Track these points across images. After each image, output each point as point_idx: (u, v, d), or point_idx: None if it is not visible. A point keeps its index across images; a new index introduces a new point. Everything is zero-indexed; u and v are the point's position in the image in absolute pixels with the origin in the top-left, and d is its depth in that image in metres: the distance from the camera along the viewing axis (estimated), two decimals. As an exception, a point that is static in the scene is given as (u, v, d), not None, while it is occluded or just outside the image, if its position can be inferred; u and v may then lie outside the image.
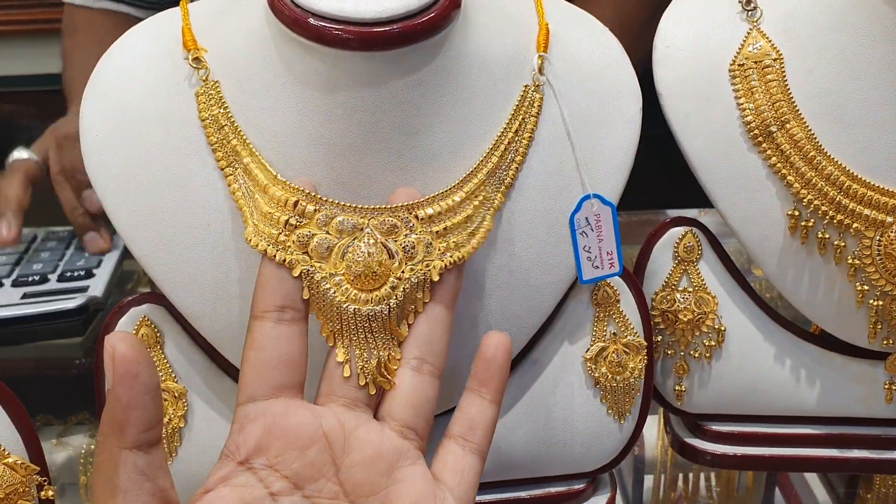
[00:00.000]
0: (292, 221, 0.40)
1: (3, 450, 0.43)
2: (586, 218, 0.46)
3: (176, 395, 0.47)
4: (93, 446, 0.78)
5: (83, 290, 0.76)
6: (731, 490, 0.77)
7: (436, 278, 0.41)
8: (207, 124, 0.43)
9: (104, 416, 0.35)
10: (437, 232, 0.41)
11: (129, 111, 0.45)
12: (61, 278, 0.79)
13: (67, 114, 0.96)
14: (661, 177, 0.57)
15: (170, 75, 0.45)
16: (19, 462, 0.43)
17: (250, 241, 0.40)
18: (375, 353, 0.40)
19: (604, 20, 0.52)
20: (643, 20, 0.53)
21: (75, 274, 0.79)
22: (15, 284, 0.78)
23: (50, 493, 0.44)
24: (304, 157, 0.42)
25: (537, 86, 0.45)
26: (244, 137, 0.43)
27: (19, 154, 0.87)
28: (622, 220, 0.64)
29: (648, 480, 0.79)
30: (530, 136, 0.45)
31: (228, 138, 0.43)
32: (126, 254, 0.86)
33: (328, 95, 0.41)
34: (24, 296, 0.76)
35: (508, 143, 0.44)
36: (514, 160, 0.44)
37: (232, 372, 0.48)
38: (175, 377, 0.47)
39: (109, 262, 0.83)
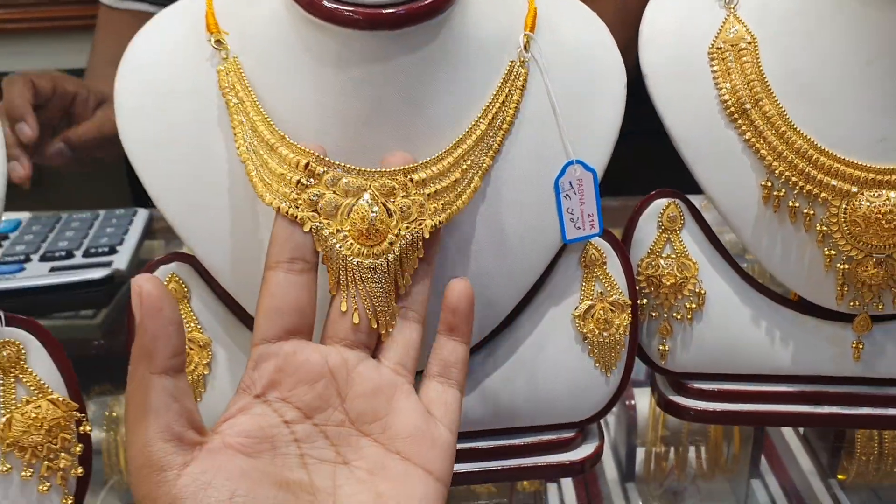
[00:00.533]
0: (303, 181, 0.44)
1: (47, 387, 0.48)
2: (570, 182, 0.50)
3: (201, 344, 0.51)
4: (114, 413, 0.82)
5: (108, 264, 0.81)
6: (719, 458, 0.80)
7: (427, 236, 0.45)
8: (226, 91, 0.47)
9: (134, 348, 0.40)
10: (429, 194, 0.46)
11: (159, 85, 0.49)
12: (86, 254, 0.83)
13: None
14: (664, 171, 0.61)
15: (196, 54, 0.49)
16: (60, 399, 0.48)
17: (264, 198, 0.45)
18: (374, 300, 0.45)
19: (605, 14, 0.56)
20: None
21: (99, 250, 0.84)
22: (43, 259, 0.83)
23: (87, 428, 0.49)
24: (317, 127, 0.47)
25: (522, 62, 0.49)
26: (256, 103, 0.47)
27: None
28: (619, 204, 0.69)
29: (640, 453, 0.82)
30: (516, 107, 0.49)
31: (243, 102, 0.47)
32: (146, 233, 0.92)
33: (340, 71, 0.46)
34: (53, 269, 0.81)
35: (496, 112, 0.48)
36: (500, 127, 0.48)
37: (251, 323, 0.51)
38: (200, 328, 0.52)
39: (131, 239, 0.87)
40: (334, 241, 0.44)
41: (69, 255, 0.84)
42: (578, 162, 0.51)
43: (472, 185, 0.47)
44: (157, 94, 0.49)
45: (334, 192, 0.45)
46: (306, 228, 0.44)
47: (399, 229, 0.45)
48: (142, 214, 0.93)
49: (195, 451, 0.40)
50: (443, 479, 0.44)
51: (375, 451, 0.43)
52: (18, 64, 1.49)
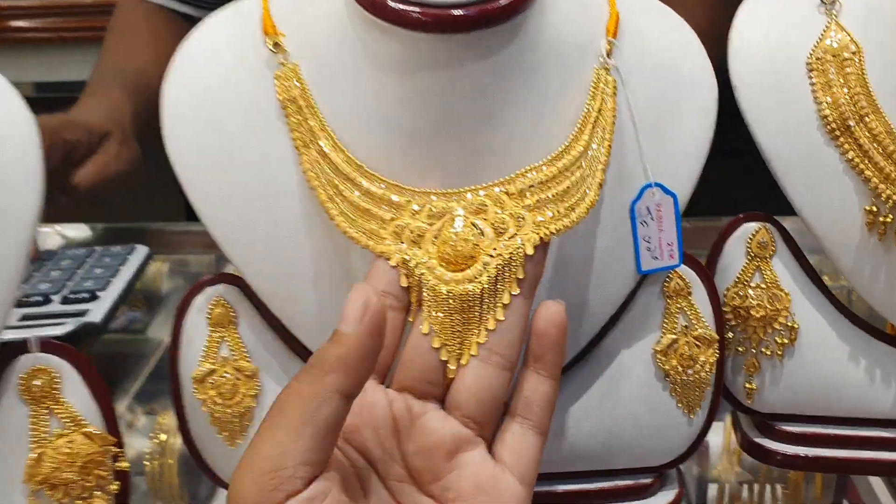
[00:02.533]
0: (388, 216, 0.41)
1: (82, 419, 0.44)
2: (647, 207, 0.45)
3: (248, 374, 0.47)
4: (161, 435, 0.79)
5: (82, 314, 0.75)
6: (799, 499, 0.75)
7: (530, 251, 0.39)
8: (286, 104, 0.43)
9: (331, 354, 0.35)
10: (528, 205, 0.41)
11: (210, 92, 0.46)
12: (65, 300, 0.77)
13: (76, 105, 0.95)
14: (742, 189, 0.56)
15: (251, 58, 0.45)
16: (96, 432, 0.44)
17: (347, 233, 0.41)
18: (462, 334, 0.40)
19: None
20: (722, 23, 0.52)
21: (80, 296, 0.77)
22: (18, 304, 0.77)
23: (125, 464, 0.45)
24: (378, 140, 0.43)
25: (607, 69, 0.44)
26: (321, 119, 0.43)
27: None
28: (700, 226, 0.63)
29: (712, 489, 0.77)
30: (613, 116, 0.44)
31: (306, 118, 0.43)
32: (139, 274, 0.86)
33: (404, 78, 0.42)
34: (24, 317, 0.75)
35: (595, 121, 0.43)
36: (604, 139, 0.43)
37: (303, 354, 0.48)
38: (248, 357, 0.47)
39: (119, 283, 0.81)
40: (422, 270, 0.40)
41: (46, 300, 0.77)
42: (658, 185, 0.46)
43: (588, 196, 0.42)
44: (207, 100, 0.46)
45: (420, 220, 0.41)
46: (392, 262, 0.40)
47: (494, 248, 0.40)
48: (139, 252, 0.87)
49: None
50: None
51: None
52: (42, 74, 1.50)
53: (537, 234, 0.40)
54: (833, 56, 0.49)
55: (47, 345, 0.44)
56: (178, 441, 0.78)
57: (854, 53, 0.49)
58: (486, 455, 0.40)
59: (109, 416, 0.45)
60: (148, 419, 0.81)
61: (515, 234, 0.40)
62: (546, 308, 0.40)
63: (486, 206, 0.41)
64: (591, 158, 0.43)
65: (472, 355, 0.40)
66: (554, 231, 0.41)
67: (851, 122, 0.48)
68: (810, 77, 0.49)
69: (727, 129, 0.50)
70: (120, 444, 0.45)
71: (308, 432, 0.34)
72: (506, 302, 0.39)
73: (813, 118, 0.49)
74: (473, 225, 0.40)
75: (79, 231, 0.99)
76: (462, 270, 0.40)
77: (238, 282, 0.47)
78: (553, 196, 0.41)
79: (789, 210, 0.51)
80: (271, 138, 0.44)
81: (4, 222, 0.42)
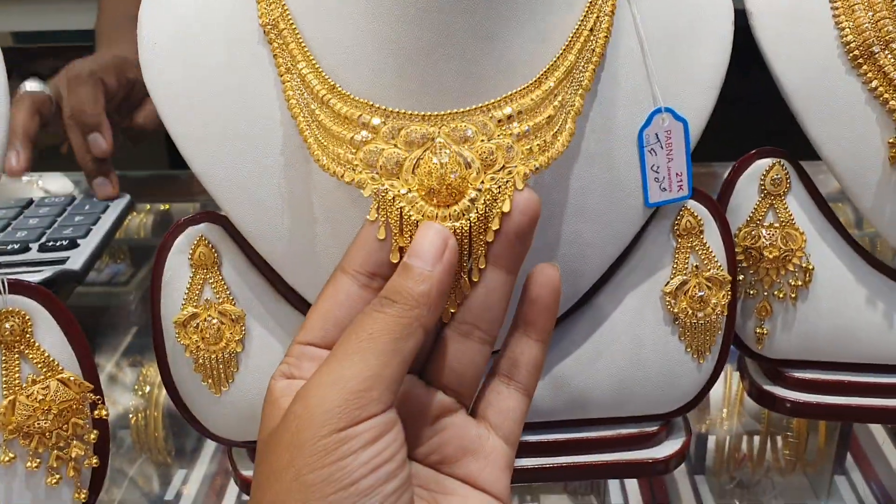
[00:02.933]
0: (357, 138, 0.38)
1: (57, 364, 0.42)
2: (656, 133, 0.43)
3: (233, 318, 0.45)
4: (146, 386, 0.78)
5: (61, 262, 0.73)
6: (801, 453, 0.74)
7: (520, 186, 0.37)
8: (268, 30, 0.41)
9: (415, 290, 0.35)
10: (517, 135, 0.38)
11: (188, 20, 0.44)
12: (43, 248, 0.76)
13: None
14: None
15: None
16: (72, 378, 0.42)
17: (320, 161, 0.38)
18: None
19: None
20: None
21: (58, 244, 0.76)
22: None
23: (104, 412, 0.43)
24: (373, 63, 0.40)
25: None
26: (302, 44, 0.40)
27: (31, 85, 0.85)
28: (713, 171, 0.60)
29: (711, 441, 0.76)
30: (606, 37, 0.41)
31: (287, 42, 0.40)
32: (120, 222, 0.84)
33: (401, -4, 0.39)
34: (1, 265, 0.74)
35: (584, 41, 0.41)
36: (590, 60, 0.41)
37: (290, 296, 0.46)
38: (232, 300, 0.45)
39: (101, 230, 0.80)
40: (401, 203, 0.37)
41: (24, 248, 0.76)
42: (668, 110, 0.43)
43: (566, 126, 0.39)
44: (185, 29, 0.44)
45: (395, 146, 0.38)
46: (367, 193, 0.37)
47: (482, 181, 0.37)
48: (121, 201, 0.86)
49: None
50: (501, 496, 0.39)
51: (428, 473, 0.39)
52: (32, 23, 1.47)
53: (528, 167, 0.38)
54: (857, -22, 0.46)
55: (18, 286, 0.42)
56: (163, 393, 0.77)
57: (879, -25, 0.46)
58: (468, 418, 0.40)
59: (87, 362, 0.43)
60: (133, 372, 0.80)
61: (504, 166, 0.37)
62: (540, 272, 0.39)
63: (472, 134, 0.38)
64: (573, 82, 0.40)
65: (457, 319, 0.38)
66: (543, 163, 0.38)
67: (876, 49, 0.46)
68: (832, 1, 0.47)
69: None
70: (98, 391, 0.43)
71: (396, 361, 0.35)
72: (490, 240, 0.37)
73: (834, 45, 0.47)
74: (459, 155, 0.37)
75: (59, 181, 0.96)
76: (447, 206, 0.37)
77: (221, 220, 0.45)
78: (538, 124, 0.39)
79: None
80: (253, 66, 0.42)
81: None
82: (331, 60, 0.40)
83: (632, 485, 0.70)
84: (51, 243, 0.76)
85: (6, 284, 0.41)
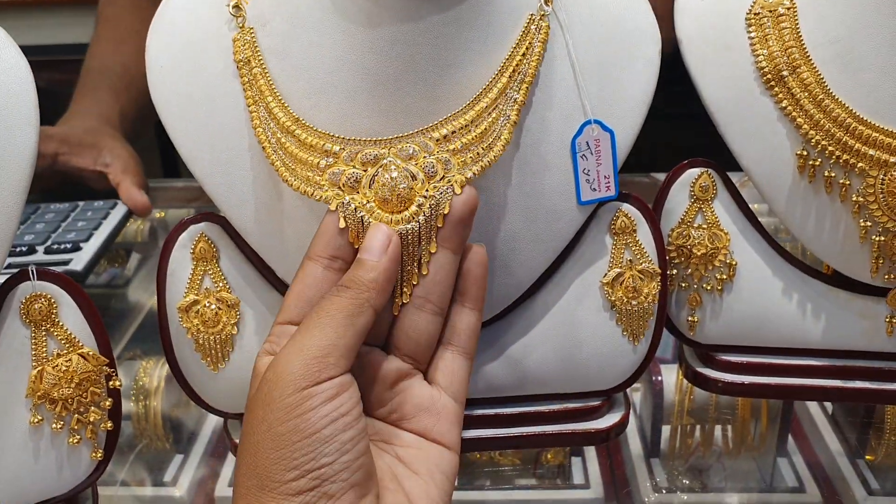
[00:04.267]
0: (322, 163, 0.45)
1: (77, 341, 0.48)
2: (587, 142, 0.50)
3: (229, 304, 0.51)
4: (143, 380, 0.82)
5: (65, 263, 0.79)
6: (746, 436, 0.79)
7: (458, 191, 0.45)
8: (241, 66, 0.48)
9: (365, 277, 0.43)
10: (453, 150, 0.46)
11: (189, 45, 0.50)
12: (48, 250, 0.81)
13: (70, 108, 1.01)
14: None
15: (221, 17, 0.49)
16: (91, 353, 0.48)
17: (290, 183, 0.46)
18: (408, 269, 0.45)
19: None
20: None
21: (62, 247, 0.81)
22: None
23: (117, 382, 0.49)
24: (348, 87, 0.47)
25: (543, 15, 0.48)
26: (270, 81, 0.47)
27: None
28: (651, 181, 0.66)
29: (666, 430, 0.82)
30: (538, 59, 0.48)
31: (256, 79, 0.47)
32: (121, 227, 0.90)
33: (371, 30, 0.46)
34: (9, 266, 0.79)
35: (517, 64, 0.47)
36: (524, 81, 0.47)
37: (280, 286, 0.52)
38: (229, 288, 0.51)
39: (101, 234, 0.85)
40: (361, 213, 0.44)
41: (31, 250, 0.82)
42: (596, 122, 0.50)
43: (501, 137, 0.47)
44: (188, 51, 0.50)
45: (353, 167, 0.45)
46: (332, 206, 0.44)
47: (427, 189, 0.45)
48: (120, 208, 0.91)
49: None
50: (452, 447, 0.46)
51: (388, 429, 0.46)
52: (23, 38, 1.50)
53: (462, 175, 0.45)
54: (770, 11, 0.53)
55: (45, 274, 0.48)
56: (161, 385, 0.82)
57: (788, 9, 0.53)
58: (423, 382, 0.47)
59: (102, 339, 0.49)
60: (131, 370, 0.84)
61: (444, 176, 0.45)
62: (471, 250, 0.47)
63: (415, 152, 0.45)
64: (508, 99, 0.47)
65: (412, 295, 0.46)
66: (476, 171, 0.46)
67: (785, 73, 0.52)
68: (749, 31, 0.54)
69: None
70: (112, 365, 0.49)
71: (349, 333, 0.42)
72: (441, 235, 0.45)
73: (750, 70, 0.53)
74: (406, 170, 0.45)
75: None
76: (399, 212, 0.44)
77: (219, 220, 0.51)
78: (473, 139, 0.46)
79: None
80: (238, 90, 0.48)
81: (5, 162, 0.46)
82: (305, 87, 0.47)
83: (593, 468, 0.76)
84: (56, 246, 0.81)
85: (35, 272, 0.48)
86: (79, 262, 0.80)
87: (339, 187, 0.45)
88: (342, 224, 0.44)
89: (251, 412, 0.42)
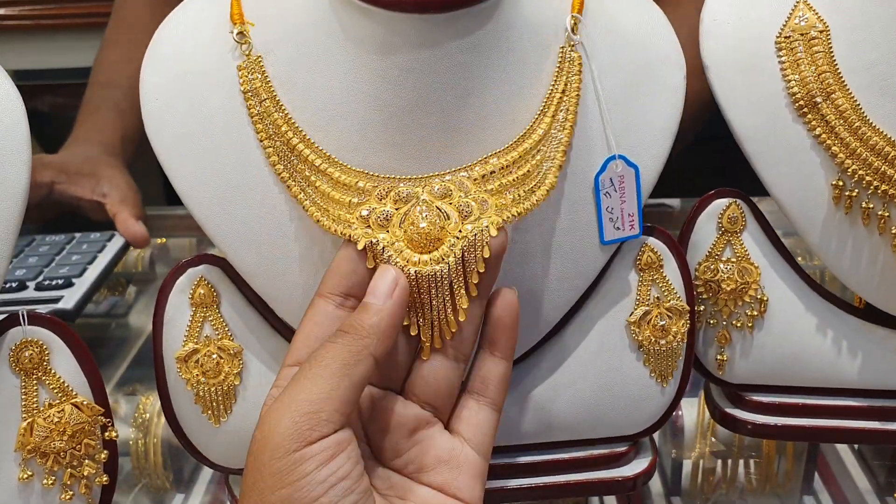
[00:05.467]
0: (355, 201, 0.42)
1: (70, 389, 0.45)
2: (610, 179, 0.47)
3: (232, 353, 0.48)
4: (145, 414, 0.80)
5: (55, 300, 0.75)
6: (771, 473, 0.77)
7: (494, 233, 0.41)
8: (248, 97, 0.45)
9: (366, 322, 0.39)
10: (490, 190, 0.43)
11: (186, 75, 0.47)
12: (39, 286, 0.78)
13: (73, 131, 0.99)
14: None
15: (222, 44, 0.46)
16: (85, 402, 0.45)
17: (321, 223, 0.43)
18: (436, 313, 0.42)
19: (687, 21, 0.53)
20: None
21: (54, 282, 0.78)
22: None
23: (114, 434, 0.46)
24: (359, 118, 0.44)
25: (572, 46, 0.46)
26: (285, 112, 0.44)
27: None
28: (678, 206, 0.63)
29: (687, 466, 0.79)
30: (577, 95, 0.45)
31: (269, 112, 0.44)
32: (117, 260, 0.87)
33: (384, 58, 0.43)
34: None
35: (558, 102, 0.45)
36: (566, 119, 0.45)
37: (285, 332, 0.49)
38: (231, 336, 0.48)
39: (96, 269, 0.82)
40: (389, 252, 0.41)
41: (21, 286, 0.78)
42: (621, 157, 0.47)
43: (546, 181, 0.44)
44: (184, 85, 0.47)
45: (386, 205, 0.42)
46: (360, 246, 0.41)
47: (459, 230, 0.42)
48: (117, 240, 0.89)
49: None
50: (472, 501, 0.43)
51: (404, 482, 0.43)
52: (22, 62, 1.50)
53: (500, 217, 0.42)
54: (801, 35, 0.51)
55: (36, 318, 0.45)
56: (161, 422, 0.79)
57: (821, 32, 0.50)
58: (443, 431, 0.44)
59: (97, 386, 0.46)
60: (129, 405, 0.82)
61: (480, 216, 0.42)
62: (501, 296, 0.43)
63: (450, 191, 0.42)
64: (553, 140, 0.45)
65: (453, 348, 0.43)
66: (515, 214, 0.43)
67: (818, 99, 0.50)
68: (779, 55, 0.51)
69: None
70: (108, 415, 0.46)
71: (345, 384, 0.38)
72: (475, 281, 0.42)
73: (781, 96, 0.51)
74: (438, 209, 0.42)
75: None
76: (428, 252, 0.41)
77: (220, 262, 0.48)
78: (514, 180, 0.43)
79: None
80: (243, 122, 0.45)
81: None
82: (314, 119, 0.44)
83: (611, 506, 0.73)
84: (47, 282, 0.78)
85: (26, 317, 0.45)
86: (70, 299, 0.77)
87: (369, 225, 0.42)
88: (370, 264, 0.41)
89: (244, 476, 0.38)
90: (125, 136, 1.00)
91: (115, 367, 0.86)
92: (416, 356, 0.43)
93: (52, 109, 1.59)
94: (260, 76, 0.45)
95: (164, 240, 1.04)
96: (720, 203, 0.54)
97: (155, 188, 1.15)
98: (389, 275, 0.41)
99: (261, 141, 0.44)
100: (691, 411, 0.77)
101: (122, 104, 1.00)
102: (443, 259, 0.41)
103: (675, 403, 0.52)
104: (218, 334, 0.48)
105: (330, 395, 0.38)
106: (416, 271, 0.41)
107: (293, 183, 0.44)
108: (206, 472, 0.77)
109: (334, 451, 0.37)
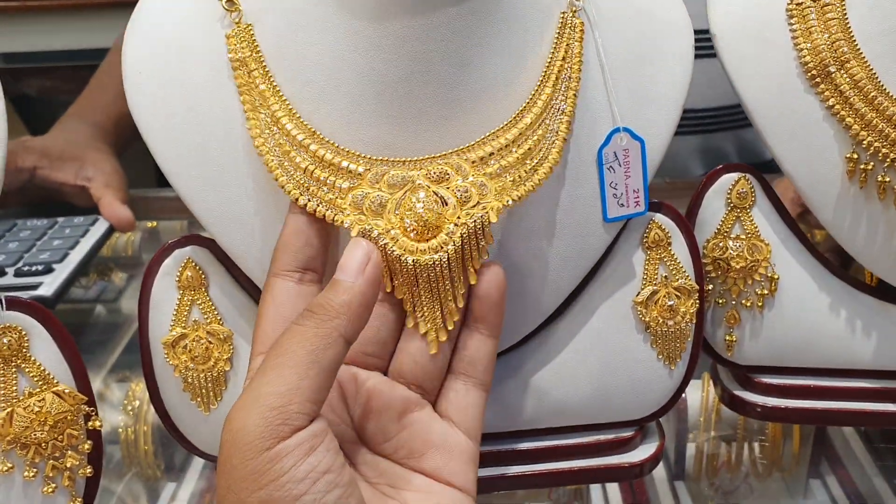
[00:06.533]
0: (345, 185, 0.40)
1: (52, 377, 0.43)
2: (614, 152, 0.45)
3: (221, 337, 0.46)
4: (135, 401, 0.79)
5: (34, 286, 0.74)
6: (777, 456, 0.76)
7: (494, 219, 0.40)
8: (236, 66, 0.43)
9: (335, 301, 0.37)
10: (491, 173, 0.41)
11: (168, 47, 0.45)
12: (19, 272, 0.76)
13: (67, 111, 0.98)
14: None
15: (207, 13, 0.44)
16: (67, 391, 0.43)
17: (309, 207, 0.41)
18: (438, 304, 0.40)
19: None
20: None
21: (34, 268, 0.76)
22: None
23: (97, 423, 0.44)
24: (352, 90, 0.42)
25: (574, 11, 0.44)
26: (275, 85, 0.42)
27: None
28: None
29: (690, 448, 0.78)
30: (580, 61, 0.43)
31: (255, 81, 0.42)
32: (99, 246, 0.85)
33: (378, 24, 0.41)
34: None
35: (559, 70, 0.43)
36: (568, 87, 0.43)
37: None
38: (220, 320, 0.47)
39: (77, 255, 0.80)
40: (385, 241, 0.39)
41: (1, 272, 0.76)
42: (626, 130, 0.45)
43: (549, 157, 0.42)
44: (165, 54, 0.45)
45: (379, 189, 0.40)
46: (354, 233, 0.39)
47: (458, 217, 0.40)
48: (101, 223, 0.87)
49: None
50: (467, 489, 0.41)
51: (393, 468, 0.41)
52: (10, 45, 1.49)
53: (500, 201, 0.40)
54: (813, 1, 0.48)
55: (15, 303, 0.43)
56: (151, 409, 0.78)
57: (835, -1, 0.48)
58: (434, 414, 0.42)
59: (80, 375, 0.44)
60: (121, 389, 0.81)
61: (479, 202, 0.40)
62: (486, 271, 0.41)
63: (447, 175, 0.40)
64: (555, 110, 0.43)
65: (450, 329, 0.41)
66: (516, 198, 0.41)
67: (832, 68, 0.48)
68: (790, 23, 0.49)
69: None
70: (92, 404, 0.44)
71: (314, 372, 0.35)
72: (476, 267, 0.40)
73: (793, 66, 0.49)
74: (436, 194, 0.40)
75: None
76: (427, 241, 0.39)
77: (208, 243, 0.47)
78: (515, 160, 0.41)
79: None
80: (230, 96, 0.43)
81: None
82: (304, 92, 0.42)
83: (613, 491, 0.72)
84: (26, 268, 0.77)
85: (4, 302, 0.43)
86: (49, 286, 0.75)
87: (363, 212, 0.40)
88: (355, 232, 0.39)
89: (217, 478, 0.35)
90: (122, 119, 0.98)
91: (107, 354, 0.85)
92: (402, 335, 0.42)
93: (39, 93, 1.57)
94: (249, 45, 0.42)
95: (154, 223, 1.02)
96: (729, 178, 0.52)
97: (146, 170, 1.14)
98: (361, 249, 0.38)
99: (245, 113, 0.42)
100: (695, 393, 0.76)
101: (112, 110, 0.99)
102: (442, 247, 0.39)
103: (683, 386, 0.50)
104: (207, 318, 0.46)
105: (299, 386, 0.35)
106: (414, 261, 0.39)
107: (271, 158, 0.41)
108: (199, 460, 0.76)
109: (311, 444, 0.35)
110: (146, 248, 1.00)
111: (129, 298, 0.93)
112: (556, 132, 0.42)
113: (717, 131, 1.00)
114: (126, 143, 0.99)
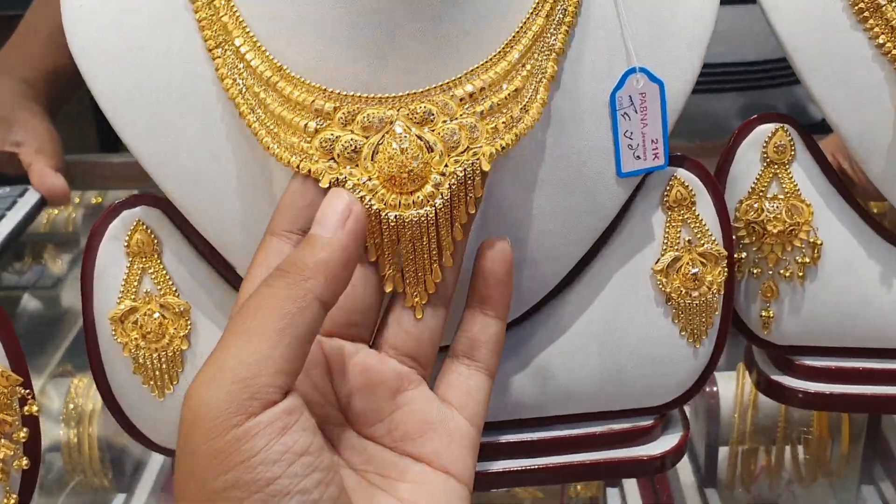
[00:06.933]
0: (311, 126, 0.41)
1: (-18, 356, 0.44)
2: (629, 96, 0.46)
3: (177, 311, 0.48)
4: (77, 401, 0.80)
5: None
6: (823, 459, 0.77)
7: (486, 167, 0.41)
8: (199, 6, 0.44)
9: (310, 259, 0.37)
10: (481, 112, 0.42)
11: None
12: None
13: None
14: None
15: None
16: (0, 370, 0.44)
17: (272, 151, 0.42)
18: (423, 266, 0.41)
19: None
20: None
21: None
22: None
23: (34, 408, 0.46)
24: (325, 22, 0.43)
25: None
26: (238, 16, 0.43)
27: None
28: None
29: (723, 452, 0.79)
30: None
31: (219, 13, 0.43)
32: (28, 221, 0.86)
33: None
34: None
35: (554, 1, 0.44)
36: (562, 21, 0.44)
37: (239, 284, 0.48)
38: (176, 291, 0.48)
39: (2, 230, 0.82)
40: (362, 193, 0.40)
41: None
42: (643, 70, 0.46)
43: (538, 95, 0.43)
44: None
45: (352, 132, 0.41)
46: (324, 183, 0.41)
47: (445, 164, 0.41)
48: (30, 196, 0.88)
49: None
50: (464, 479, 0.42)
51: (384, 454, 0.42)
52: None
53: (493, 146, 0.41)
54: (861, -78, 0.50)
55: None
56: (97, 408, 0.79)
57: (887, -82, 0.49)
58: (430, 393, 0.43)
59: (15, 353, 0.45)
60: (61, 385, 0.82)
61: (469, 147, 0.41)
62: (490, 245, 0.43)
63: (432, 115, 0.41)
64: (544, 46, 0.44)
65: (430, 293, 0.42)
66: (509, 141, 0.42)
67: (883, 1, 0.49)
68: (834, -51, 0.50)
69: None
70: (28, 386, 0.46)
71: (286, 340, 0.36)
72: (463, 222, 0.41)
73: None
74: (419, 138, 0.41)
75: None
76: (410, 193, 0.41)
77: (161, 203, 0.48)
78: (506, 98, 0.42)
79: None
80: (184, 34, 0.45)
81: None
82: (274, 27, 0.43)
83: (634, 500, 0.74)
84: None
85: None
86: None
87: (334, 158, 0.41)
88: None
89: (176, 463, 0.36)
90: (57, 72, 0.98)
91: (46, 350, 0.86)
92: (391, 302, 0.43)
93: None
94: None
95: (99, 199, 1.03)
96: (765, 129, 0.53)
97: (86, 132, 1.14)
98: (341, 200, 0.39)
99: (209, 51, 0.43)
100: (728, 386, 0.77)
101: (50, 41, 0.99)
102: (428, 201, 0.41)
103: (710, 368, 0.51)
104: (160, 289, 0.48)
105: (269, 355, 0.35)
106: (396, 216, 0.40)
107: (242, 101, 0.43)
108: (153, 465, 0.77)
109: (286, 421, 0.35)
110: (90, 225, 1.01)
111: (72, 287, 0.95)
112: (544, 71, 0.43)
113: (766, 87, 1.01)
114: (61, 101, 1.00)
